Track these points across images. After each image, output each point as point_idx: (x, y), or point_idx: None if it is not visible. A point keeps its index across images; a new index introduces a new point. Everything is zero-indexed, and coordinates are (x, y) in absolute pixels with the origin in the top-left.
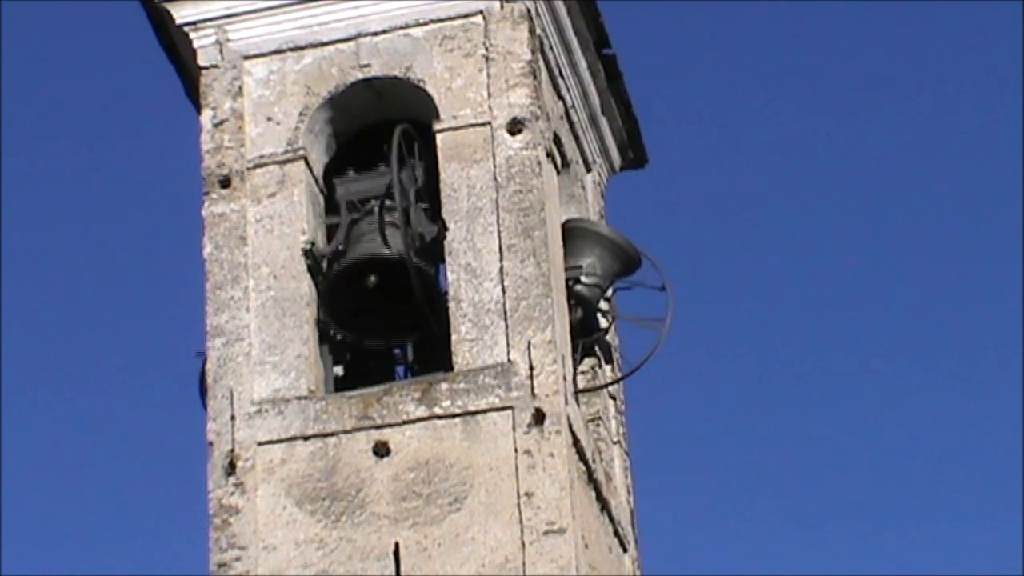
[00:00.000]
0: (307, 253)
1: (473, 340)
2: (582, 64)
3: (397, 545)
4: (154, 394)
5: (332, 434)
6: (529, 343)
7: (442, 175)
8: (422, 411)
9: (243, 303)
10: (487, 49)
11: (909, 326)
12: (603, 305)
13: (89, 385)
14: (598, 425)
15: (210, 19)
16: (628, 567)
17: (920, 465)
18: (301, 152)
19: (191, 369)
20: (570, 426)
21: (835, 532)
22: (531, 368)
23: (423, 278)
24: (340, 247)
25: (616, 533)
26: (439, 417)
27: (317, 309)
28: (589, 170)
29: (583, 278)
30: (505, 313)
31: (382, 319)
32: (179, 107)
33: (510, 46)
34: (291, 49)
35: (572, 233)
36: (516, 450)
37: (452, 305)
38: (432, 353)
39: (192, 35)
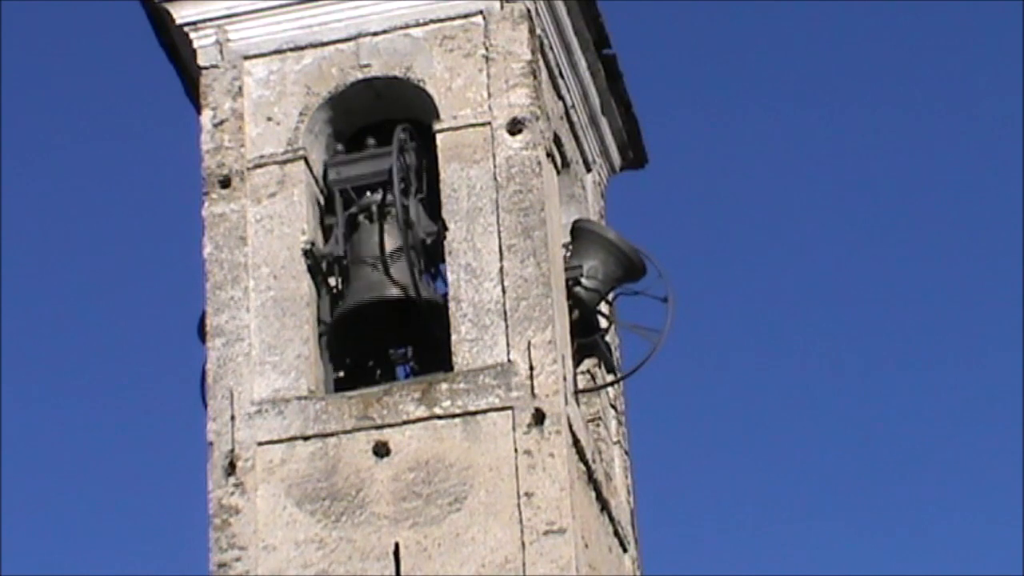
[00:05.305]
0: (307, 253)
1: (473, 340)
2: (582, 64)
3: (397, 545)
4: (154, 394)
5: (332, 434)
6: (529, 343)
7: (442, 175)
8: (422, 411)
9: (243, 303)
10: (487, 49)
11: (910, 327)
12: (603, 306)
13: (89, 385)
14: (598, 425)
15: (210, 19)
16: (628, 567)
17: (920, 465)
18: (301, 152)
19: (192, 369)
20: (570, 426)
21: (835, 532)
22: (531, 368)
23: (431, 308)
24: (340, 251)
25: (616, 533)
26: (439, 417)
27: (317, 309)
28: (589, 170)
29: (583, 280)
30: (505, 313)
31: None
32: (179, 107)
33: (510, 46)
34: (291, 49)
35: (579, 234)
36: (516, 450)
37: (452, 305)
38: (432, 353)
39: (192, 35)
